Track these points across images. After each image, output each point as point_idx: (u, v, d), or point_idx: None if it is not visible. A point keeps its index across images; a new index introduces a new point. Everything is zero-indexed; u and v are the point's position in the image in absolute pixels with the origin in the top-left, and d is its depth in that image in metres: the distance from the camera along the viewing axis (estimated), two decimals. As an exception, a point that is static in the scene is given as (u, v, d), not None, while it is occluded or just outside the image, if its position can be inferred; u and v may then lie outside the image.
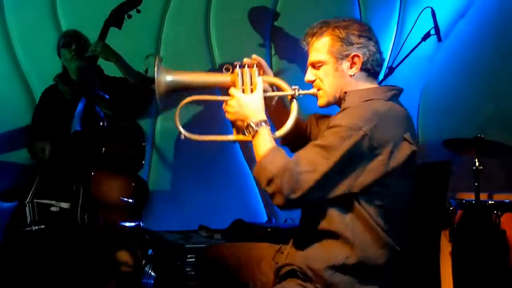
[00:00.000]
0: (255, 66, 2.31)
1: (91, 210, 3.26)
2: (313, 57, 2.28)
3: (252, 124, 2.20)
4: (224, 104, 2.29)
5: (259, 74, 2.31)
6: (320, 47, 2.24)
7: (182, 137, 2.26)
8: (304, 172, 2.03)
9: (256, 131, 2.19)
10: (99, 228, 3.25)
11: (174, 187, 4.54)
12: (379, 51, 2.26)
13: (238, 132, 2.28)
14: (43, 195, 3.34)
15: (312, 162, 2.04)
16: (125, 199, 3.46)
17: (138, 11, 3.71)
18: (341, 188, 2.05)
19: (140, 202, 3.70)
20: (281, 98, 2.44)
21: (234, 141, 2.32)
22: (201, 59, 4.55)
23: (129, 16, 3.68)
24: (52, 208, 3.28)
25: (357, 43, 2.20)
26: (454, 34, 4.57)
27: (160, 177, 4.51)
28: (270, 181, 2.08)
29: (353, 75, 2.23)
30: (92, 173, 3.34)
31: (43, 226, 3.27)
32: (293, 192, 2.03)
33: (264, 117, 2.22)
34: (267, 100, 2.33)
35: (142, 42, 4.43)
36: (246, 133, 2.23)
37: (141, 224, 3.51)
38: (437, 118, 4.59)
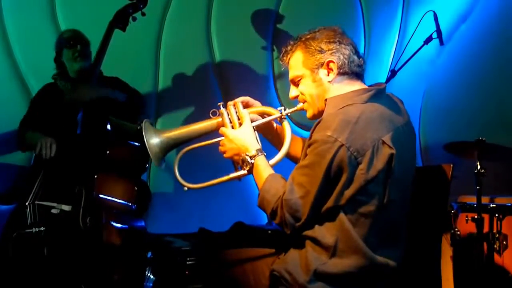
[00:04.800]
0: (237, 101, 2.37)
1: (94, 213, 3.24)
2: (291, 74, 2.32)
3: (247, 158, 2.25)
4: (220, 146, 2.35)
5: (246, 108, 2.37)
6: (295, 63, 2.29)
7: (186, 189, 2.39)
8: (299, 198, 2.08)
9: (252, 164, 2.24)
10: (102, 231, 3.24)
11: (174, 189, 4.53)
12: (356, 52, 2.25)
13: (239, 169, 2.33)
14: (44, 197, 3.32)
15: (302, 186, 2.09)
16: (128, 202, 3.45)
17: (143, 14, 3.68)
18: (330, 202, 2.08)
19: (142, 205, 3.69)
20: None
21: (238, 179, 2.33)
22: (202, 63, 4.54)
23: (134, 19, 3.63)
24: (53, 210, 3.27)
25: (329, 50, 2.21)
26: (456, 38, 4.58)
27: (160, 180, 4.50)
28: (273, 213, 2.14)
29: (332, 80, 2.23)
30: (95, 176, 3.33)
31: (43, 228, 3.26)
32: (297, 220, 2.10)
33: (257, 146, 2.28)
34: (263, 128, 2.41)
35: (142, 45, 4.42)
36: (243, 168, 2.27)
37: (144, 227, 3.50)
38: (439, 121, 4.59)
